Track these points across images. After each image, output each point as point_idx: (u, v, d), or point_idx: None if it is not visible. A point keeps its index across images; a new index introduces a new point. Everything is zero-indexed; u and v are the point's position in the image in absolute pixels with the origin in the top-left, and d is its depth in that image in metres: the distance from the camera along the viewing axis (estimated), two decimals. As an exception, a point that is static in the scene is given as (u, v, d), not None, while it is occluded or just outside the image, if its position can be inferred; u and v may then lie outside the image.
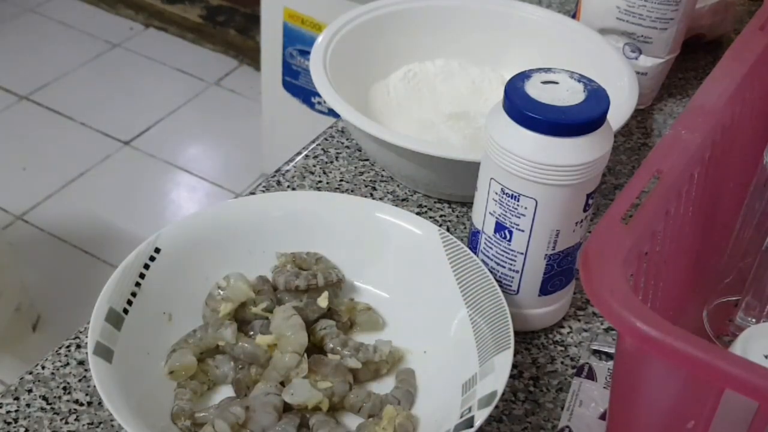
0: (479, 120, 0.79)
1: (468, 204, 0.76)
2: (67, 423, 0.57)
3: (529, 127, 0.55)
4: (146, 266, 0.61)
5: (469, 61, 0.86)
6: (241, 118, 2.18)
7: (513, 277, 0.62)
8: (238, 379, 0.59)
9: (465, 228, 0.74)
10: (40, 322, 1.63)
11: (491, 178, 0.59)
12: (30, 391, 0.59)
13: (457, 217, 0.75)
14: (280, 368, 0.58)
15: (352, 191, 0.77)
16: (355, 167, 0.80)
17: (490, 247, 0.62)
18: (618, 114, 0.71)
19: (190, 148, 2.12)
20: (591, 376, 0.62)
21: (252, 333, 0.61)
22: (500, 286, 0.61)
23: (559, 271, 0.62)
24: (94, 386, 0.56)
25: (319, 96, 0.64)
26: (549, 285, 0.63)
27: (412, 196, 0.77)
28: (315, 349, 0.61)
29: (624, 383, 0.50)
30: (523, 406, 0.61)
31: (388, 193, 0.77)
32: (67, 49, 2.36)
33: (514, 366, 0.63)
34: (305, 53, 1.63)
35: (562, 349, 0.65)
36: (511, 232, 0.60)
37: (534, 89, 0.56)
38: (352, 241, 0.66)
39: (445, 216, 0.75)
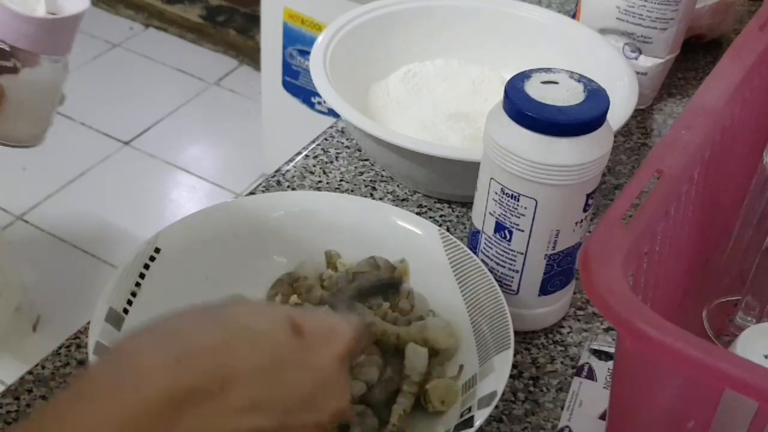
0: (479, 120, 0.79)
1: (468, 204, 0.76)
2: (67, 423, 0.57)
3: (529, 127, 0.55)
4: (146, 266, 0.61)
5: (469, 61, 0.86)
6: (241, 118, 2.17)
7: (513, 277, 0.62)
8: None
9: (465, 228, 0.74)
10: (40, 322, 1.63)
11: (491, 178, 0.59)
12: (30, 391, 0.59)
13: (457, 217, 0.75)
14: None
15: (352, 191, 0.77)
16: (355, 167, 0.80)
17: (490, 247, 0.62)
18: (618, 114, 0.71)
19: (190, 148, 2.12)
20: (591, 376, 0.62)
21: None
22: (500, 285, 0.61)
23: (559, 270, 0.62)
24: (94, 386, 0.56)
25: (319, 96, 0.65)
26: (549, 285, 0.63)
27: (412, 196, 0.77)
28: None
29: (624, 383, 0.50)
30: (522, 406, 0.61)
31: (388, 193, 0.77)
32: (67, 49, 2.36)
33: (514, 366, 0.63)
34: (305, 53, 1.62)
35: (562, 348, 0.65)
36: (511, 232, 0.60)
37: (534, 89, 0.56)
38: (352, 241, 0.66)
39: (445, 216, 0.75)
